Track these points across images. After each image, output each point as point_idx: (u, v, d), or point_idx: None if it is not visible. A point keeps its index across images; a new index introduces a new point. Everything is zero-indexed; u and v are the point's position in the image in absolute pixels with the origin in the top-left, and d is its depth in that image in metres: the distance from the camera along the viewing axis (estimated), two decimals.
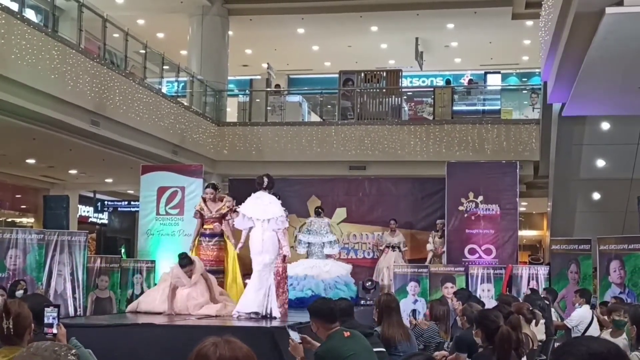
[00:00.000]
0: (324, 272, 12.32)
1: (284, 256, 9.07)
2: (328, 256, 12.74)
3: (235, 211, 11.14)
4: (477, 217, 13.06)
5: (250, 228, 8.74)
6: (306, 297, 11.32)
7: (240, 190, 14.44)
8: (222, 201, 10.25)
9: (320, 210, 13.24)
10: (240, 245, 9.07)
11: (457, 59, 25.28)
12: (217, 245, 10.00)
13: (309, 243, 12.72)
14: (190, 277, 9.10)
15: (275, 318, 8.51)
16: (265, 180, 8.81)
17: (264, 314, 8.54)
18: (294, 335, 5.09)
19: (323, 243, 12.69)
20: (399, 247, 13.87)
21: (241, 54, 23.69)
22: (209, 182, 10.94)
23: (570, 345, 2.13)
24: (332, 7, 20.36)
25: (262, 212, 8.64)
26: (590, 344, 2.10)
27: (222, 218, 10.07)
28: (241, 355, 2.20)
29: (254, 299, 8.54)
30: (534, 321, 7.36)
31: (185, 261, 9.14)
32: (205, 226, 10.03)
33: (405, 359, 3.21)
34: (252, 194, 8.85)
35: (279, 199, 9.18)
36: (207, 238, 9.96)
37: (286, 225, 9.13)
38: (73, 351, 2.51)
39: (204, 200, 10.24)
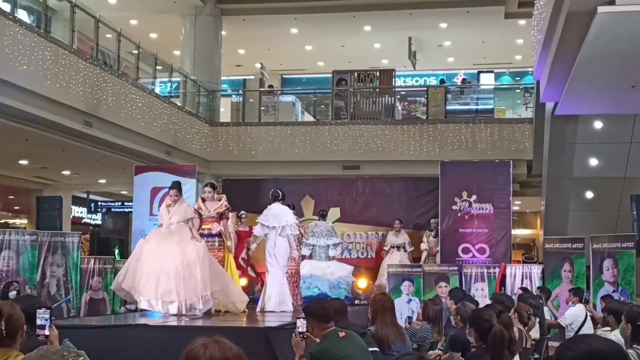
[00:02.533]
0: (328, 273, 12.77)
1: (295, 258, 10.64)
2: (331, 257, 13.18)
3: (232, 210, 11.23)
4: (470, 216, 13.07)
5: (266, 234, 10.14)
6: (314, 295, 11.65)
7: (234, 190, 14.52)
8: (219, 201, 10.02)
9: (324, 213, 13.65)
10: (254, 246, 10.73)
11: (450, 58, 25.30)
12: (214, 245, 9.64)
13: (312, 245, 13.06)
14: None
15: (291, 311, 9.59)
16: (280, 193, 10.40)
17: (279, 310, 9.74)
18: (301, 325, 5.07)
19: (327, 245, 13.13)
20: (404, 247, 13.90)
21: (234, 54, 23.66)
22: (208, 182, 10.68)
23: (572, 342, 2.17)
24: (325, 6, 20.35)
25: (277, 220, 10.04)
26: (591, 342, 2.13)
27: (219, 217, 9.83)
28: (231, 356, 2.18)
29: (271, 298, 9.88)
30: (528, 324, 7.36)
31: (173, 184, 9.34)
32: (203, 226, 9.74)
33: (397, 359, 3.20)
34: (268, 206, 10.30)
35: (293, 207, 11.17)
36: (205, 238, 9.62)
37: (297, 232, 10.60)
38: (81, 358, 2.50)
39: (203, 200, 9.99)
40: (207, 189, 10.02)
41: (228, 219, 10.04)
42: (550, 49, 10.48)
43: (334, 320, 5.36)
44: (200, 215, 9.77)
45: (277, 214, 10.12)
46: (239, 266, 12.49)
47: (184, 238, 8.97)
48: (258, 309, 9.94)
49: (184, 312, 8.57)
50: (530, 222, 26.15)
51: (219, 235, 9.76)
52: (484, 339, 4.87)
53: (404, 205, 14.78)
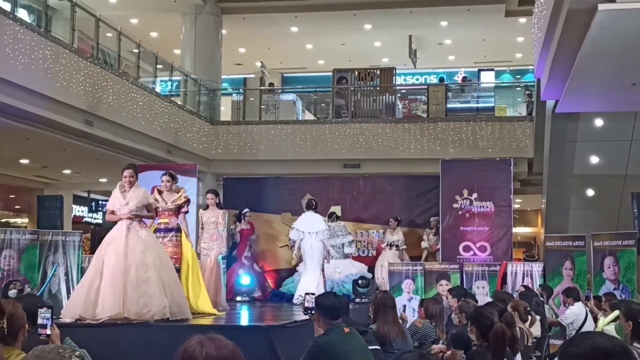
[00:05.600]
0: (336, 272, 13.22)
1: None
2: (346, 255, 13.61)
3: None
4: (471, 215, 13.08)
5: (301, 239, 11.47)
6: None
7: (235, 189, 14.52)
8: (178, 192, 9.01)
9: (333, 215, 13.88)
10: (295, 252, 12.00)
11: (451, 57, 25.28)
12: (172, 241, 8.66)
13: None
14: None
15: None
16: (314, 202, 11.89)
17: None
18: (309, 299, 5.65)
19: (342, 244, 13.58)
20: (396, 245, 13.90)
21: (235, 52, 23.66)
22: (166, 171, 9.36)
23: (577, 338, 2.20)
24: (325, 5, 20.33)
25: (311, 227, 11.41)
26: (596, 339, 2.15)
27: (177, 210, 8.83)
28: (227, 353, 2.16)
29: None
30: (528, 321, 7.36)
31: (129, 165, 7.96)
32: (160, 220, 8.68)
33: (398, 357, 3.20)
34: (303, 214, 11.78)
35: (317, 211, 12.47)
36: (162, 233, 8.64)
37: (328, 236, 11.84)
38: (77, 353, 2.49)
39: (159, 191, 8.90)
40: (165, 177, 8.95)
41: (187, 212, 9.04)
42: (550, 46, 10.47)
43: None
44: (156, 208, 8.58)
45: (312, 221, 11.47)
46: (241, 264, 12.55)
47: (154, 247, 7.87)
48: (295, 300, 11.24)
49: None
50: (531, 220, 26.14)
51: (177, 229, 8.76)
52: (485, 336, 4.87)
53: (404, 204, 14.77)
